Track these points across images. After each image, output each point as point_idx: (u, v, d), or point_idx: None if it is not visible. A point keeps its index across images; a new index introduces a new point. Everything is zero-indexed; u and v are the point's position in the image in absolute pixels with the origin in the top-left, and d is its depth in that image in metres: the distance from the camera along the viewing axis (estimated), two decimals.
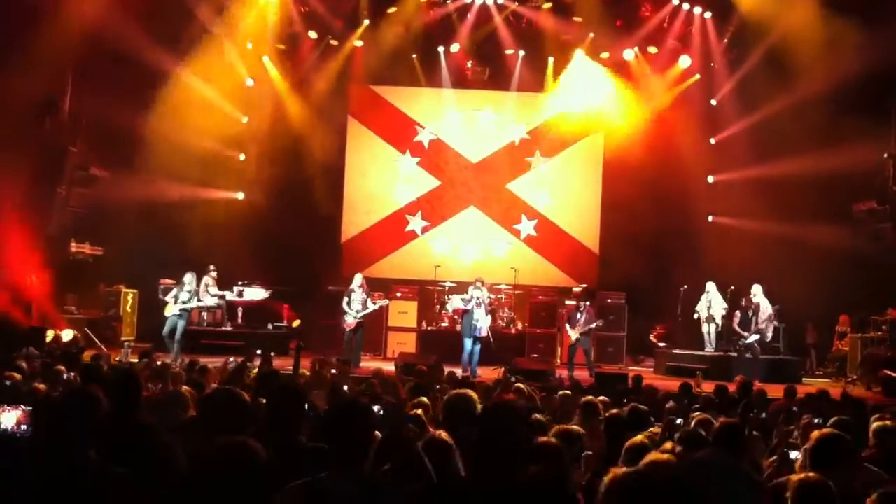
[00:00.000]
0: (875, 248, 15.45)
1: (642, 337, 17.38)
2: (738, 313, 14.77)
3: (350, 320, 14.23)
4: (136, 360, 10.33)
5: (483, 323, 13.87)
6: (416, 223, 18.62)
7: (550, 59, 18.08)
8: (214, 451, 2.84)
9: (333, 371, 10.12)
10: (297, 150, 17.40)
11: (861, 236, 15.56)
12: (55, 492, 3.26)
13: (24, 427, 4.30)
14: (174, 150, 15.93)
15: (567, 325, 14.83)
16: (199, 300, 14.14)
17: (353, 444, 3.38)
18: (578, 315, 14.66)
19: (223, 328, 16.34)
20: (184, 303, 13.49)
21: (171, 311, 13.55)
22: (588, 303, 15.21)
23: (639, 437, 4.69)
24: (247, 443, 2.90)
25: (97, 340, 14.23)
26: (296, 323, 17.27)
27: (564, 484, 3.23)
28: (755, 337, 14.20)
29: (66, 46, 13.54)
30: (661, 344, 16.79)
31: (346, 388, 8.06)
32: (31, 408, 4.42)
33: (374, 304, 14.55)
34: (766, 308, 14.24)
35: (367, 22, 17.52)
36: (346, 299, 14.36)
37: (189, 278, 13.66)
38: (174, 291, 13.74)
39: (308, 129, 17.57)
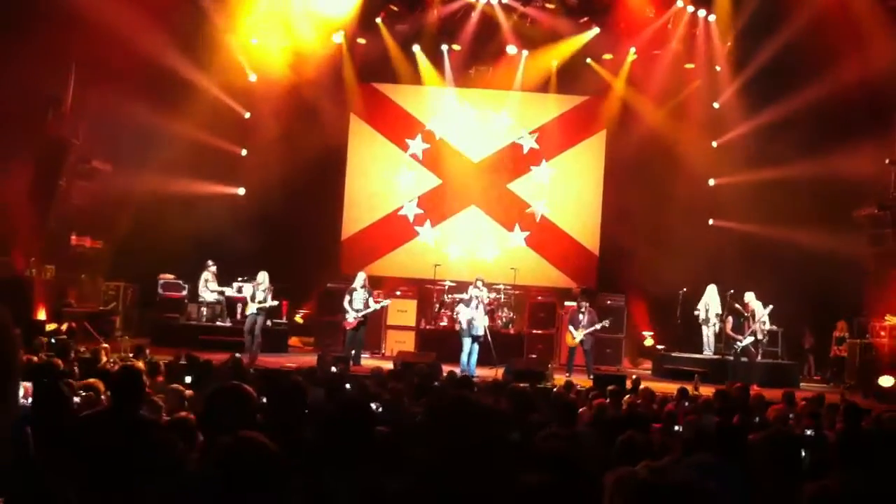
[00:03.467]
0: (875, 254, 15.47)
1: (641, 339, 17.40)
2: (730, 318, 14.78)
3: (351, 319, 14.20)
4: (132, 355, 10.31)
5: (480, 322, 13.86)
6: (415, 220, 18.63)
7: (554, 61, 18.08)
8: (231, 444, 2.82)
9: (334, 369, 10.13)
10: (299, 147, 17.36)
11: (861, 242, 15.57)
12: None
13: (29, 399, 4.80)
14: (176, 145, 15.93)
15: (570, 327, 14.81)
16: (273, 299, 14.35)
17: (354, 443, 3.39)
18: (581, 316, 14.70)
19: (222, 324, 16.29)
20: (260, 302, 13.94)
21: (250, 309, 14.05)
22: (588, 304, 15.24)
23: (633, 434, 4.68)
24: (258, 437, 2.89)
25: (96, 334, 14.21)
26: (299, 318, 17.29)
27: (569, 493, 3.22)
28: (750, 339, 14.23)
29: (68, 39, 13.52)
30: (660, 346, 16.80)
31: (346, 385, 8.05)
32: (30, 383, 4.94)
33: (376, 303, 14.52)
34: (761, 314, 14.25)
35: (378, 20, 17.54)
36: (347, 297, 14.30)
37: (262, 277, 14.00)
38: (250, 291, 14.23)
39: (310, 125, 17.54)
